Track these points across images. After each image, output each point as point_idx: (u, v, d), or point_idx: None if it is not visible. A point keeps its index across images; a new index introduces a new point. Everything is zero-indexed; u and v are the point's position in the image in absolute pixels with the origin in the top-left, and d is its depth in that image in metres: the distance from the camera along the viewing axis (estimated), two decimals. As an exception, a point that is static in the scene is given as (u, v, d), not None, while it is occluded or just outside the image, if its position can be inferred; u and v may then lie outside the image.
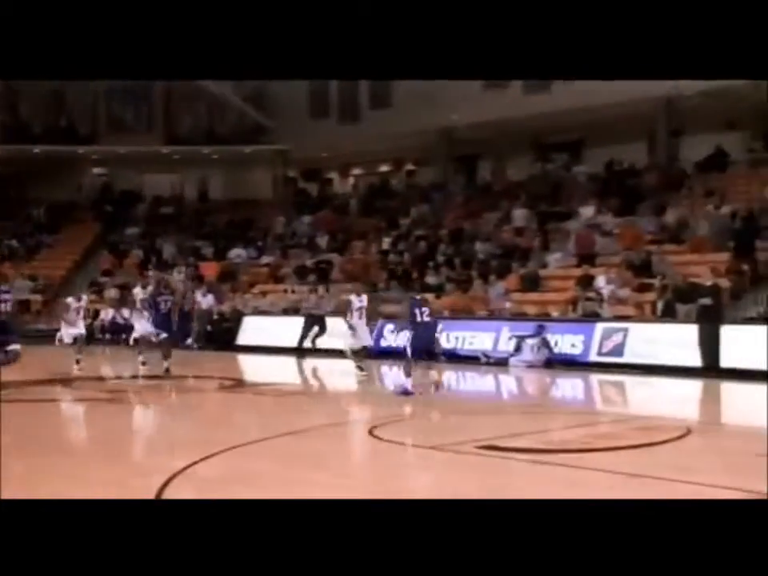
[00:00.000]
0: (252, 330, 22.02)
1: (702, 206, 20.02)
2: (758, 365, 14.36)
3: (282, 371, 18.07)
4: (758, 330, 15.15)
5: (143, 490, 6.09)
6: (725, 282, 16.43)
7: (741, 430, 10.30)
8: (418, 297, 13.15)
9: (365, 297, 15.29)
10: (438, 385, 12.40)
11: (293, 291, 23.69)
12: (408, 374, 12.14)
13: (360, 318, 14.85)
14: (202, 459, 7.33)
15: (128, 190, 32.55)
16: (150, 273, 20.95)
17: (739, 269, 17.29)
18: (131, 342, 17.17)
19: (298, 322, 21.78)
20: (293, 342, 21.02)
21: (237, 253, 27.35)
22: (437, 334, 12.89)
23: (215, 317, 22.76)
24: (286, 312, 22.52)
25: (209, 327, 22.41)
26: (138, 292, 16.26)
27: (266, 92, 29.73)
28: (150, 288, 15.91)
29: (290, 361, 19.61)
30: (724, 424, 11.39)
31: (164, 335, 15.16)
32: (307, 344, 19.88)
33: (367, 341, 15.21)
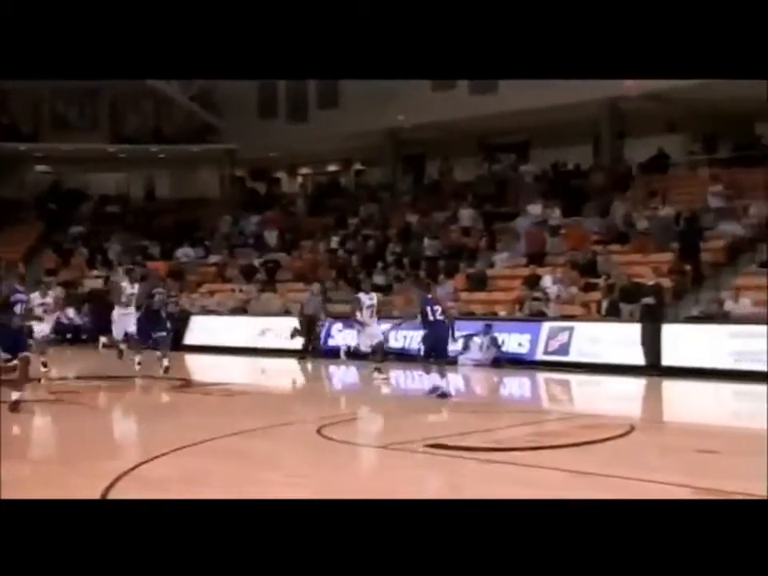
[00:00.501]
0: (199, 330, 21.90)
1: (645, 207, 20.36)
2: (699, 363, 14.68)
3: (229, 371, 17.98)
4: (699, 328, 15.49)
5: (88, 491, 6.02)
6: (667, 282, 16.74)
7: (682, 426, 10.51)
8: (429, 295, 12.61)
9: (374, 295, 15.05)
10: (444, 394, 11.74)
11: (240, 291, 23.61)
12: (443, 375, 11.86)
13: (371, 316, 14.58)
14: (148, 460, 7.28)
15: (73, 188, 32.11)
16: (123, 267, 19.46)
17: (681, 269, 17.63)
18: (103, 341, 16.65)
19: (245, 322, 21.73)
20: (241, 342, 20.96)
21: (184, 252, 27.13)
22: (449, 335, 12.36)
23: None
24: (234, 311, 22.44)
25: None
26: (126, 287, 15.06)
27: (214, 91, 29.53)
28: (140, 283, 15.10)
29: (239, 360, 19.53)
30: (666, 421, 11.61)
31: (161, 333, 14.56)
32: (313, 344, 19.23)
33: (378, 338, 14.78)
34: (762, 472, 6.99)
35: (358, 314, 14.53)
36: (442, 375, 11.91)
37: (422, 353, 12.15)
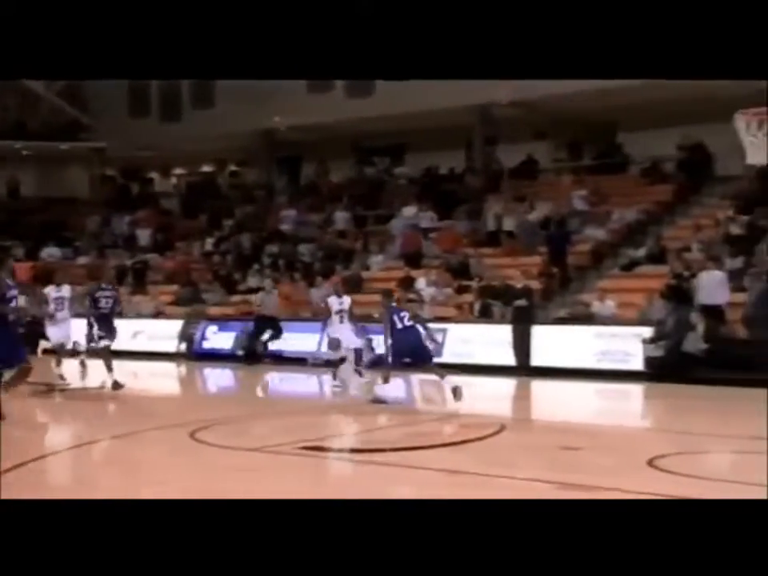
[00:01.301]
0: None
1: (515, 211, 20.94)
2: (566, 363, 15.23)
3: (100, 374, 17.51)
4: (566, 329, 16.05)
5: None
6: (536, 284, 17.28)
7: (549, 425, 10.88)
8: (393, 303, 12.08)
9: (346, 298, 14.05)
10: (457, 392, 11.18)
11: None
12: (386, 381, 11.59)
13: (341, 321, 13.66)
14: (12, 468, 7.06)
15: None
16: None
17: (549, 271, 18.23)
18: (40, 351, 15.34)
19: (116, 324, 21.17)
20: (112, 345, 20.43)
21: (49, 252, 26.27)
22: (423, 337, 11.89)
23: (28, 319, 21.74)
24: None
25: (21, 330, 21.39)
26: (51, 290, 13.99)
27: (82, 88, 28.72)
28: (80, 285, 14.17)
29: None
30: (534, 420, 12.00)
31: (105, 342, 13.34)
32: (260, 348, 18.32)
33: (354, 344, 13.74)
34: (622, 466, 7.35)
35: (328, 320, 13.67)
36: (386, 382, 11.59)
37: (389, 360, 11.54)
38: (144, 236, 25.90)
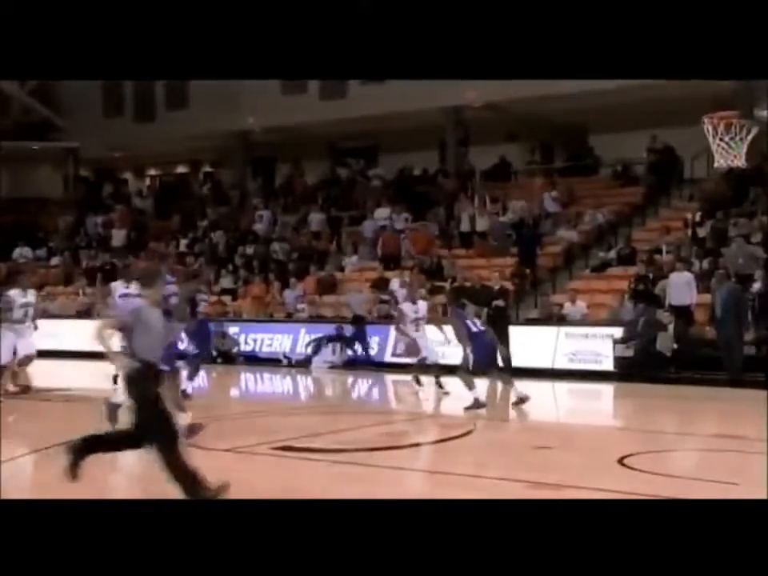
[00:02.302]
0: (40, 334, 21.08)
1: (488, 213, 21.08)
2: (538, 363, 15.37)
3: (72, 376, 17.49)
4: (537, 330, 16.20)
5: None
6: (509, 285, 17.40)
7: (521, 425, 11.01)
8: (460, 309, 11.39)
9: (422, 305, 13.30)
10: (523, 399, 11.04)
11: (84, 294, 22.96)
12: (471, 387, 10.91)
13: (417, 329, 13.04)
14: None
15: None
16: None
17: (521, 272, 18.39)
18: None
19: (89, 326, 21.12)
20: (84, 346, 20.37)
21: (21, 252, 26.09)
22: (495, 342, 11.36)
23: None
24: (79, 315, 21.83)
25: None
26: (16, 295, 12.11)
27: (55, 88, 28.54)
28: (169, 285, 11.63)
29: (82, 365, 19.00)
30: (506, 420, 12.11)
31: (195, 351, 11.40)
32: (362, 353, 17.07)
33: (430, 355, 13.07)
34: (592, 465, 7.49)
35: (402, 328, 13.29)
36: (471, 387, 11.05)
37: (469, 366, 10.90)
38: (117, 237, 25.79)
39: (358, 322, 17.57)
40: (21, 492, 6.64)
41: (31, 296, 12.90)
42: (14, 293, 12.56)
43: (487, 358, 10.99)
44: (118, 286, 11.44)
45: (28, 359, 12.93)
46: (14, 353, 12.75)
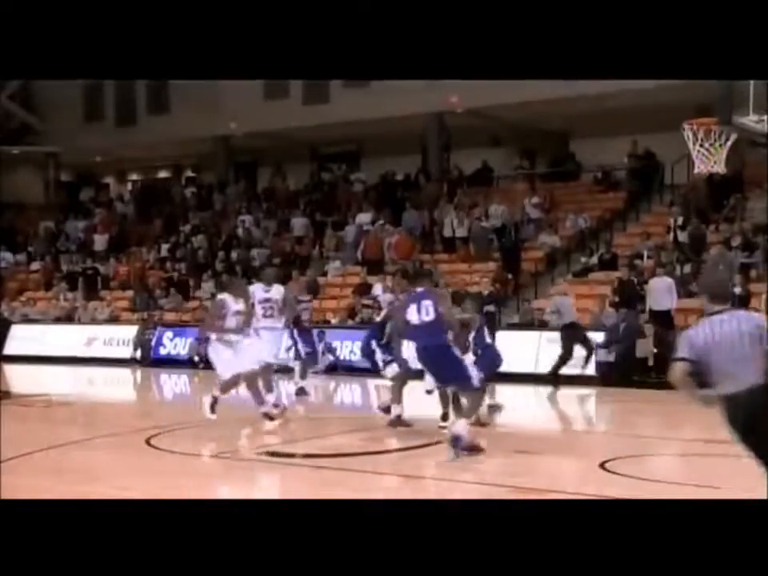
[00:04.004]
0: (20, 340, 21.02)
1: (470, 218, 21.13)
2: (519, 368, 15.37)
3: (52, 381, 17.41)
4: (519, 335, 16.22)
5: None
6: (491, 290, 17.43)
7: (503, 429, 11.02)
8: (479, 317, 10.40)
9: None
10: (497, 407, 10.88)
11: (65, 299, 22.86)
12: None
13: None
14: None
15: None
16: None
17: (504, 277, 18.43)
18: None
19: (71, 330, 21.07)
20: (67, 351, 20.34)
21: (1, 257, 25.97)
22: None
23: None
24: (59, 320, 21.74)
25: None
26: (256, 289, 10.95)
27: (35, 91, 28.41)
28: (274, 290, 10.94)
29: (64, 370, 18.93)
30: (488, 424, 12.12)
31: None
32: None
33: (411, 361, 10.70)
34: (575, 469, 7.52)
35: None
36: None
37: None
38: (98, 242, 25.68)
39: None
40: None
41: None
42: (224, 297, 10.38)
43: (495, 369, 10.43)
44: (257, 289, 10.88)
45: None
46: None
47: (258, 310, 10.57)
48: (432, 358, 8.27)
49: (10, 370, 19.15)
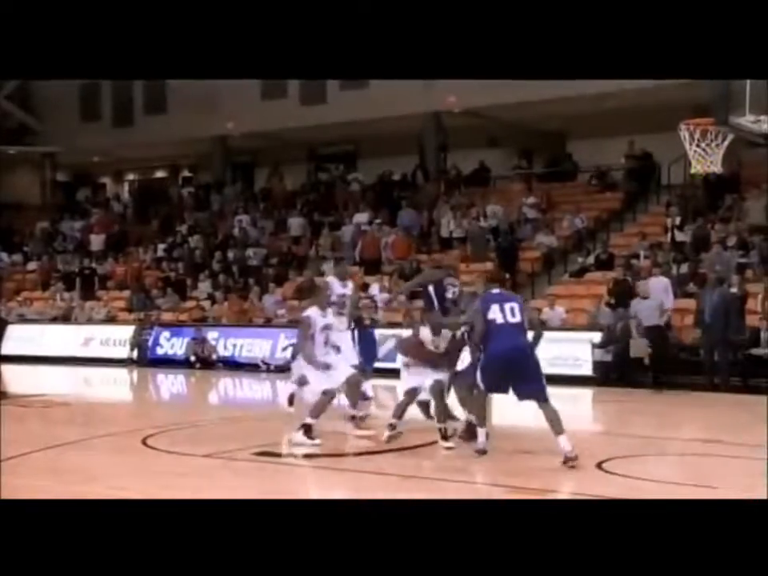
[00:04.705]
0: (17, 340, 21.01)
1: (467, 218, 21.15)
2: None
3: (49, 382, 17.39)
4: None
5: None
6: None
7: (501, 429, 11.02)
8: None
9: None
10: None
11: (62, 299, 22.84)
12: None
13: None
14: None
15: None
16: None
17: (503, 277, 18.40)
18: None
19: (68, 330, 21.07)
20: (63, 351, 20.34)
21: (-2, 256, 26.01)
22: None
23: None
24: (56, 320, 21.73)
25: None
26: (334, 282, 10.24)
27: (32, 91, 28.38)
28: (347, 289, 10.31)
29: (61, 371, 18.92)
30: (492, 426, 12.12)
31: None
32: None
33: None
34: (572, 470, 7.51)
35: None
36: None
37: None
38: (95, 242, 25.67)
39: None
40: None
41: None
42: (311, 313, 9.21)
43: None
44: (334, 283, 10.22)
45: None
46: None
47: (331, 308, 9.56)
48: (516, 360, 7.80)
49: (7, 370, 19.15)
